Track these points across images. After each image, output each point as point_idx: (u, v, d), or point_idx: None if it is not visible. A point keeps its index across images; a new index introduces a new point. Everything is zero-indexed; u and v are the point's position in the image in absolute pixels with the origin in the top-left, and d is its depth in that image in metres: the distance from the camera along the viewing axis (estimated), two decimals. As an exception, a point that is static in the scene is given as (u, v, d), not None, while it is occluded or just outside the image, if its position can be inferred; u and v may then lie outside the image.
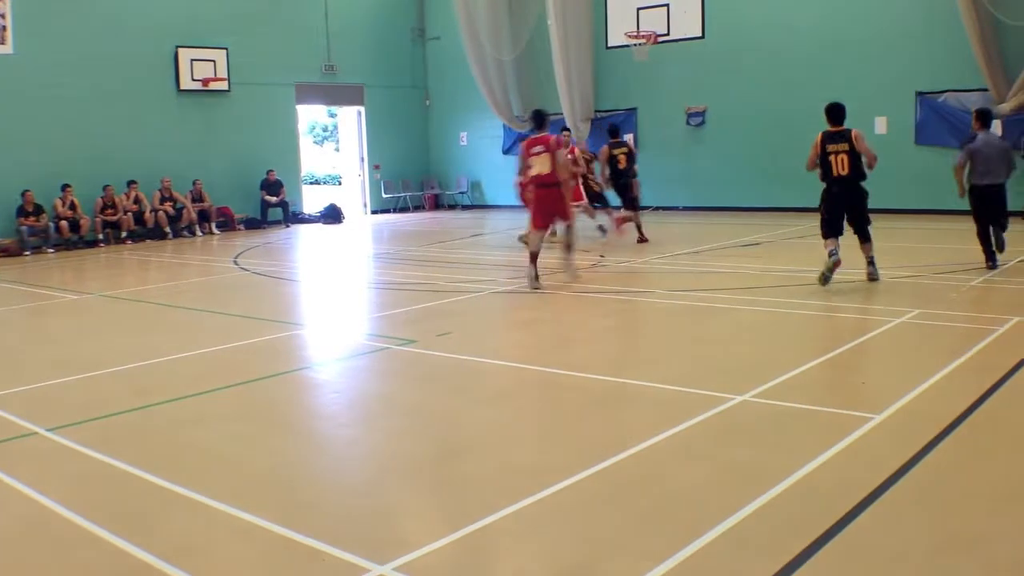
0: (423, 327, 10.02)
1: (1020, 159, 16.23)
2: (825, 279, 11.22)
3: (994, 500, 4.89)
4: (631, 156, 17.30)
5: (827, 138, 11.49)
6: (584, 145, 21.67)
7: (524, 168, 12.88)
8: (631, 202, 17.21)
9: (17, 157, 20.01)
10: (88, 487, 5.54)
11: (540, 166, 12.59)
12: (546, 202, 12.58)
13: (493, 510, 4.83)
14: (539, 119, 13.05)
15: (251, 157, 24.22)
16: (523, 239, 15.45)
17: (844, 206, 11.55)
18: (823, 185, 11.71)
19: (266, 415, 7.14)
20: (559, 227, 13.85)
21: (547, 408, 7.00)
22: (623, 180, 17.08)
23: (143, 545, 4.56)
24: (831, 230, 11.51)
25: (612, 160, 17.03)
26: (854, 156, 11.37)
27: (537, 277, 12.20)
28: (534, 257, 12.36)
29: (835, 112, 11.61)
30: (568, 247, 13.12)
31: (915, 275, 12.29)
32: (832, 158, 11.42)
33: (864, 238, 11.68)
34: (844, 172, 11.40)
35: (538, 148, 12.62)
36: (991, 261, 12.57)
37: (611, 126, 18.26)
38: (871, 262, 11.64)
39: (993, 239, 12.69)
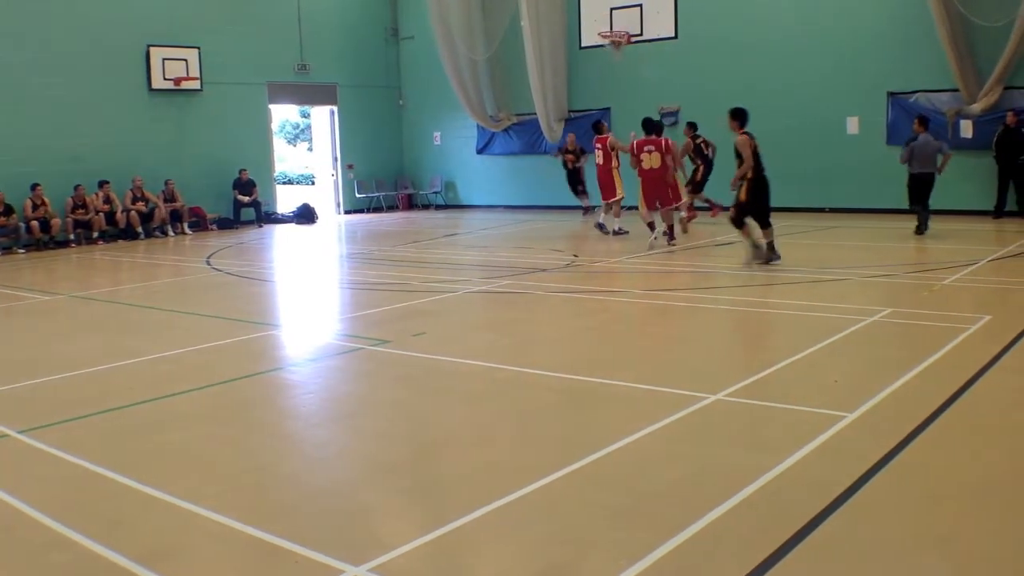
0: (397, 327, 10.01)
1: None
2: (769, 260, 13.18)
3: (966, 498, 4.93)
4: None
5: (752, 137, 13.14)
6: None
7: (634, 162, 16.46)
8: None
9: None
10: (61, 489, 5.50)
11: (650, 161, 16.23)
12: (653, 187, 16.14)
13: (469, 510, 4.83)
14: (649, 126, 16.58)
15: (223, 157, 24.10)
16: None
17: None
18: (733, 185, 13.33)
19: (240, 416, 7.10)
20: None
21: (522, 408, 6.99)
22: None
23: (117, 548, 4.53)
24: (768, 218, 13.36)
25: (699, 148, 19.40)
26: None
27: (665, 234, 16.23)
28: (652, 226, 16.27)
29: (746, 115, 13.28)
30: (669, 226, 16.35)
31: (887, 274, 12.37)
32: (758, 151, 13.10)
33: (769, 224, 13.36)
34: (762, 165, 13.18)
35: (650, 147, 16.27)
36: (921, 231, 16.47)
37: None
38: (773, 246, 13.33)
39: (920, 220, 16.50)
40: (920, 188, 16.58)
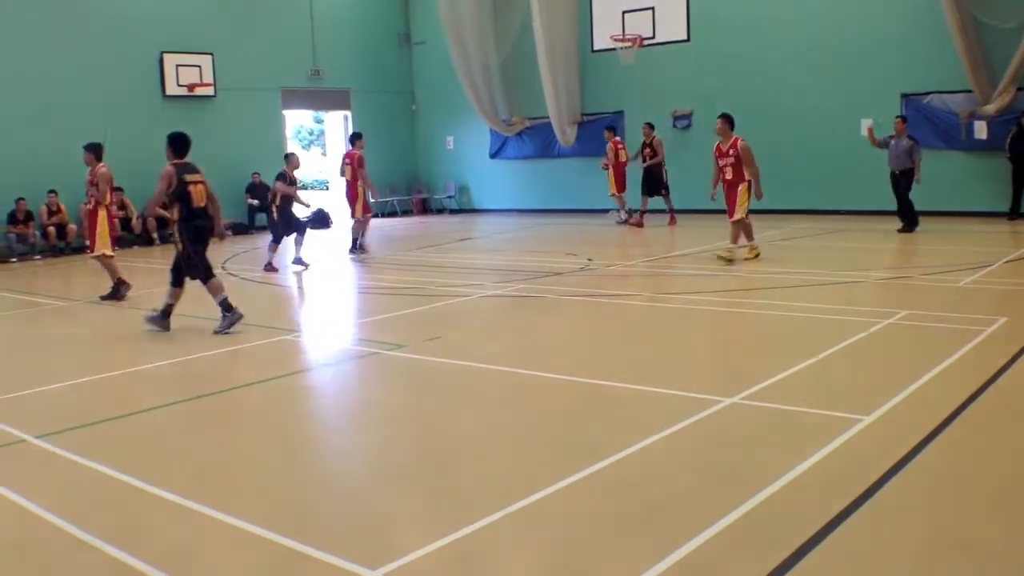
0: (412, 332, 10.02)
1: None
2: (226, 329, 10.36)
3: (984, 501, 4.91)
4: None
5: (184, 169, 10.67)
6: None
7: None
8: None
9: (3, 164, 19.92)
10: (78, 494, 5.52)
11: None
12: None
13: (484, 514, 4.83)
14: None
15: (238, 163, 24.09)
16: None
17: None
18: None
19: (257, 421, 7.12)
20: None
21: (537, 412, 7.00)
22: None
23: (135, 552, 4.55)
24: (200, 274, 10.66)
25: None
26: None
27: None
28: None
29: (184, 143, 10.98)
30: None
31: (903, 276, 12.34)
32: (192, 188, 10.59)
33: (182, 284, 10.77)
34: (203, 204, 10.74)
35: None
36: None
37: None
38: (169, 311, 10.63)
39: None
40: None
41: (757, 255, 14.40)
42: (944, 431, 5.92)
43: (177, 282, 10.64)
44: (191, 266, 10.57)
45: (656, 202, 21.32)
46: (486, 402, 7.35)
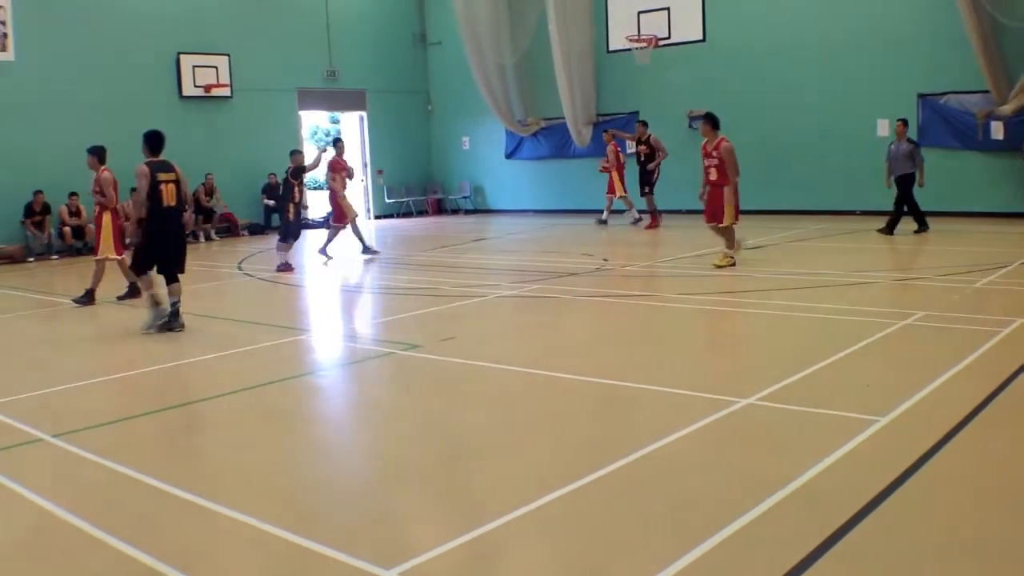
0: (428, 331, 10.03)
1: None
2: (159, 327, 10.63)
3: (999, 503, 4.89)
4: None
5: (158, 167, 10.57)
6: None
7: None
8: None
9: (19, 164, 20.03)
10: (95, 493, 5.55)
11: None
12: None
13: (499, 515, 4.84)
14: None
15: (254, 163, 24.20)
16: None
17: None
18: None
19: (271, 421, 7.14)
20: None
21: (553, 412, 7.00)
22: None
23: (150, 551, 4.57)
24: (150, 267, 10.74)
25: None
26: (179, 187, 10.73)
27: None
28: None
29: (158, 140, 10.83)
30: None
31: (918, 277, 12.29)
32: (163, 187, 10.48)
33: (176, 278, 10.79)
34: (173, 203, 10.63)
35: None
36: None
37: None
38: (176, 311, 10.71)
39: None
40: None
41: (732, 264, 13.78)
42: (960, 432, 5.90)
43: (161, 275, 10.74)
44: (137, 257, 10.70)
45: (644, 202, 21.38)
46: (501, 402, 7.35)
